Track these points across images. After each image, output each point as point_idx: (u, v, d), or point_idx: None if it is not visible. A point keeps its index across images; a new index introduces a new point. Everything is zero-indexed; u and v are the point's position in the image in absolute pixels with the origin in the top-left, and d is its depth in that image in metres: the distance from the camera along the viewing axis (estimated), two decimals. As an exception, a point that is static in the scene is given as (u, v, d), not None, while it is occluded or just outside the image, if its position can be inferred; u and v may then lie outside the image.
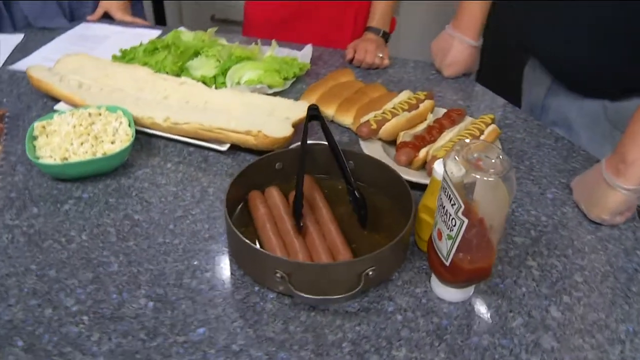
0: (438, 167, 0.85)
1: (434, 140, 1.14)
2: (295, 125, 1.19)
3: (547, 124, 1.28)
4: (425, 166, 1.08)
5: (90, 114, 1.14)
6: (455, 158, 0.74)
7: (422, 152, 1.10)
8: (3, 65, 1.43)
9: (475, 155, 0.74)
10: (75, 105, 1.23)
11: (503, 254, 0.94)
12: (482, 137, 1.14)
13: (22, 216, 0.98)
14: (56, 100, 1.27)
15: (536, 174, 1.13)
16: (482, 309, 0.85)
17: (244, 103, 1.24)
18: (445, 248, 0.80)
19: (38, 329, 0.80)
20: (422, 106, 1.23)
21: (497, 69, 2.07)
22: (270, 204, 0.97)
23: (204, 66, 1.38)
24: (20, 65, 1.44)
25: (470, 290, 0.87)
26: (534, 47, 1.31)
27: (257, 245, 0.91)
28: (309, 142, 1.01)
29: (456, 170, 0.73)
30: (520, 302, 0.86)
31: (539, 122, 1.29)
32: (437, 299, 0.86)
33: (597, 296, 0.87)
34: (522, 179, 1.12)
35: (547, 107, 1.34)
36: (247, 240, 0.84)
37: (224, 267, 0.91)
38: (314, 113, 1.06)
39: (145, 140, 1.21)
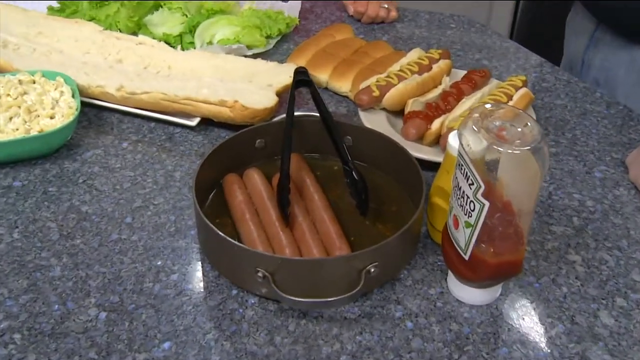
0: (453, 139, 0.85)
1: (451, 110, 1.14)
2: (279, 94, 1.19)
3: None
4: (439, 141, 1.09)
5: (20, 82, 1.14)
6: (472, 127, 0.74)
7: (436, 124, 1.10)
8: None
9: (498, 123, 0.74)
10: (-1, 71, 1.22)
11: (538, 246, 0.95)
12: (509, 104, 1.14)
13: None
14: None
15: (581, 148, 1.14)
16: (512, 313, 0.86)
17: (217, 67, 1.25)
18: (463, 238, 0.80)
19: (-45, 353, 0.79)
20: (436, 67, 1.23)
21: (535, 22, 2.06)
22: (250, 190, 0.98)
23: (166, 22, 1.38)
24: None
25: (497, 290, 0.87)
26: None
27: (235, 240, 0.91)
28: (296, 113, 1.01)
29: (474, 142, 0.73)
30: (560, 306, 0.86)
31: (585, 83, 1.30)
32: (455, 302, 0.87)
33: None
34: (562, 155, 1.13)
35: (588, 62, 1.34)
36: (221, 234, 0.84)
37: (195, 267, 0.91)
38: (302, 78, 1.06)
39: (94, 114, 1.21)
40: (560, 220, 0.99)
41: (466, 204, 0.77)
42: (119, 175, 1.07)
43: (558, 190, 1.05)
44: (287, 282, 0.83)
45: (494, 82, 1.23)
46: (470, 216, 0.77)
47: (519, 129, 0.74)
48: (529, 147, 0.72)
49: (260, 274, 0.82)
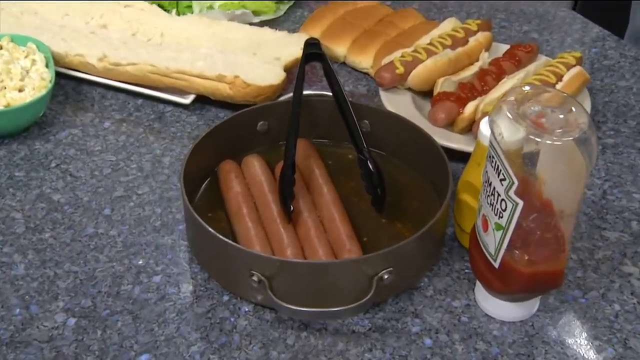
0: (485, 127, 0.85)
1: (488, 91, 1.13)
2: (288, 69, 1.19)
3: None
4: (472, 128, 1.09)
5: (-17, 47, 1.15)
6: (507, 113, 0.73)
7: (470, 108, 1.10)
8: None
9: (537, 109, 0.73)
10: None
11: (587, 255, 0.94)
12: (559, 86, 1.14)
13: None
14: None
15: (646, 140, 1.13)
16: (551, 333, 0.85)
17: (217, 36, 1.25)
18: (493, 243, 0.79)
19: None
20: (473, 41, 1.23)
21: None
22: (249, 180, 0.98)
23: (160, -19, 1.38)
24: None
25: (533, 305, 0.87)
26: None
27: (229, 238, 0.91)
28: (306, 92, 1.02)
29: (508, 131, 0.73)
30: (611, 326, 0.86)
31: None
32: (483, 317, 0.86)
33: None
34: (622, 147, 1.12)
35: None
36: (212, 230, 0.84)
37: (181, 268, 0.92)
38: (314, 51, 1.06)
39: (71, 87, 1.21)
40: (616, 225, 0.99)
41: (497, 203, 0.77)
42: (98, 159, 1.07)
43: (614, 188, 1.04)
44: (286, 288, 0.83)
45: (542, 59, 1.22)
46: (501, 217, 0.77)
47: (561, 116, 0.73)
48: (573, 137, 0.71)
49: (255, 278, 0.83)
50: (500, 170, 0.75)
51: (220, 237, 0.84)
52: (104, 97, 1.20)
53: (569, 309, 0.88)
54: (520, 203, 0.75)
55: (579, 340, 0.84)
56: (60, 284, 0.89)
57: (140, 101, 1.19)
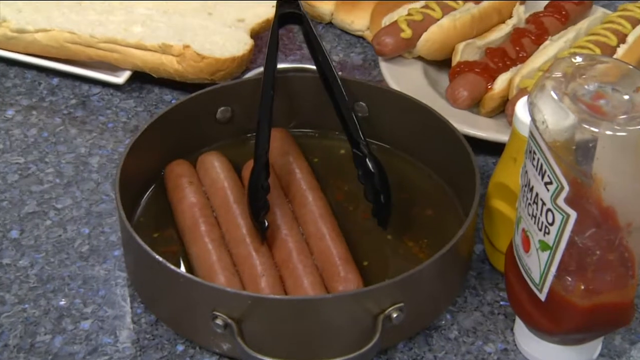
0: (522, 111, 0.85)
1: (525, 59, 1.14)
2: (256, 35, 1.19)
3: None
4: (505, 110, 1.09)
5: None
6: (552, 94, 0.73)
7: (501, 82, 1.10)
8: None
9: (592, 87, 0.73)
10: None
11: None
12: (621, 52, 1.13)
13: None
14: None
15: None
16: (616, 385, 0.86)
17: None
18: (537, 267, 0.79)
19: None
20: (502, -8, 1.23)
21: None
22: (208, 186, 0.99)
23: None
24: None
25: (594, 349, 0.87)
26: None
27: (181, 267, 0.92)
28: (281, 66, 1.02)
29: (554, 117, 0.72)
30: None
31: None
32: (526, 366, 0.87)
33: None
34: None
35: None
36: (159, 258, 0.84)
37: (119, 309, 0.92)
38: (290, 10, 1.05)
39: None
40: None
41: (541, 214, 0.76)
42: (0, 161, 1.08)
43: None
44: (261, 333, 0.83)
45: (598, 13, 1.23)
46: (548, 233, 0.76)
47: (626, 96, 0.73)
48: (641, 126, 0.71)
49: (219, 321, 0.82)
50: (545, 171, 0.75)
51: (171, 266, 0.84)
52: (5, 75, 1.20)
53: (641, 354, 0.88)
54: (573, 214, 0.74)
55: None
56: (-52, 333, 0.88)
57: (56, 81, 1.20)
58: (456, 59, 1.14)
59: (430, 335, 0.89)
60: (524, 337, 0.87)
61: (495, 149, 1.01)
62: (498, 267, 0.94)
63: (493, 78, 1.10)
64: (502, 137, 1.00)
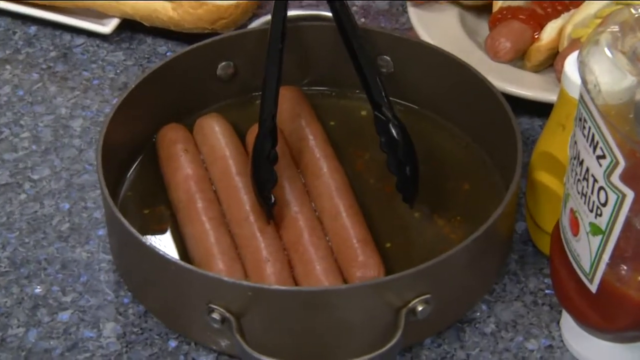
0: (572, 68, 0.83)
1: (579, 4, 1.11)
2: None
3: None
4: (553, 64, 1.08)
5: None
6: (605, 50, 0.69)
7: (550, 31, 1.08)
8: None
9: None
10: None
11: None
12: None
13: None
14: None
15: None
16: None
17: None
18: (588, 254, 0.76)
19: None
20: None
21: None
22: (207, 155, 0.97)
23: None
24: None
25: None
26: None
27: (174, 250, 0.91)
28: (292, 13, 1.01)
29: (608, 77, 0.69)
30: None
31: None
32: (574, 365, 0.85)
33: None
34: None
35: None
36: (146, 242, 0.83)
37: (102, 298, 0.90)
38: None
39: None
40: None
41: (592, 193, 0.73)
42: (-34, 126, 1.07)
43: None
44: (264, 329, 0.81)
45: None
46: (600, 215, 0.73)
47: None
48: None
49: (216, 315, 0.80)
50: (597, 142, 0.71)
51: (160, 251, 0.82)
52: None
53: None
54: (630, 194, 0.70)
55: None
56: None
57: (33, 29, 1.18)
58: (498, 3, 1.11)
59: (462, 329, 0.87)
60: (572, 332, 0.85)
61: (542, 110, 0.99)
62: (543, 250, 0.92)
63: (541, 26, 1.08)
64: (550, 97, 0.98)
